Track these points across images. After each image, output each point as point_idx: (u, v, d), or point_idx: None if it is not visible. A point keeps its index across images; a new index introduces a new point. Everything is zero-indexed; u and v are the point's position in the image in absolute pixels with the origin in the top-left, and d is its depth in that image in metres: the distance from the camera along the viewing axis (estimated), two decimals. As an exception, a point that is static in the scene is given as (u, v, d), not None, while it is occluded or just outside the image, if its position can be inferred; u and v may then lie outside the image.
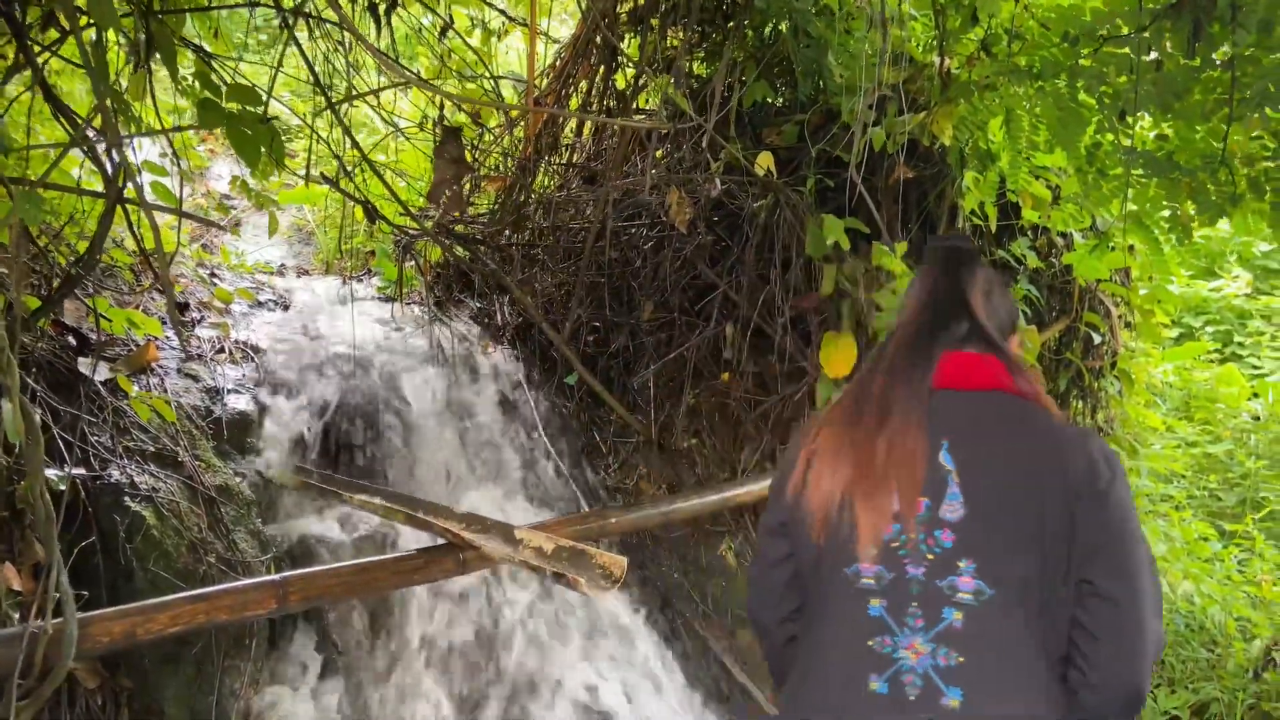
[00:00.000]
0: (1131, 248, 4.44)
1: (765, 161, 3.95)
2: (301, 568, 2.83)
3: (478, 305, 4.60)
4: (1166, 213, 3.54)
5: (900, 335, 1.63)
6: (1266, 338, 7.10)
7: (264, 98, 2.69)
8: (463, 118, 4.78)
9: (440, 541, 2.81)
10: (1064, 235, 4.55)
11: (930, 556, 1.45)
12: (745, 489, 3.62)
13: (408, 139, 5.16)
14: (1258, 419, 5.67)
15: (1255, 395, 6.16)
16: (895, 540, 1.47)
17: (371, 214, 3.59)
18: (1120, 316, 4.62)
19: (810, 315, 3.98)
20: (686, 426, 4.17)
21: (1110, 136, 3.25)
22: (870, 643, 1.44)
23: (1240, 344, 7.17)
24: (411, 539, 3.03)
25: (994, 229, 4.32)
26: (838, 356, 3.76)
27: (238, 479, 3.23)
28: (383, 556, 2.79)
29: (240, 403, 3.45)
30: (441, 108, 3.87)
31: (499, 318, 4.55)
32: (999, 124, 3.67)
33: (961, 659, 1.39)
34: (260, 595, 2.41)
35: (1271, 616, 3.83)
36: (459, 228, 4.41)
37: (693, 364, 4.20)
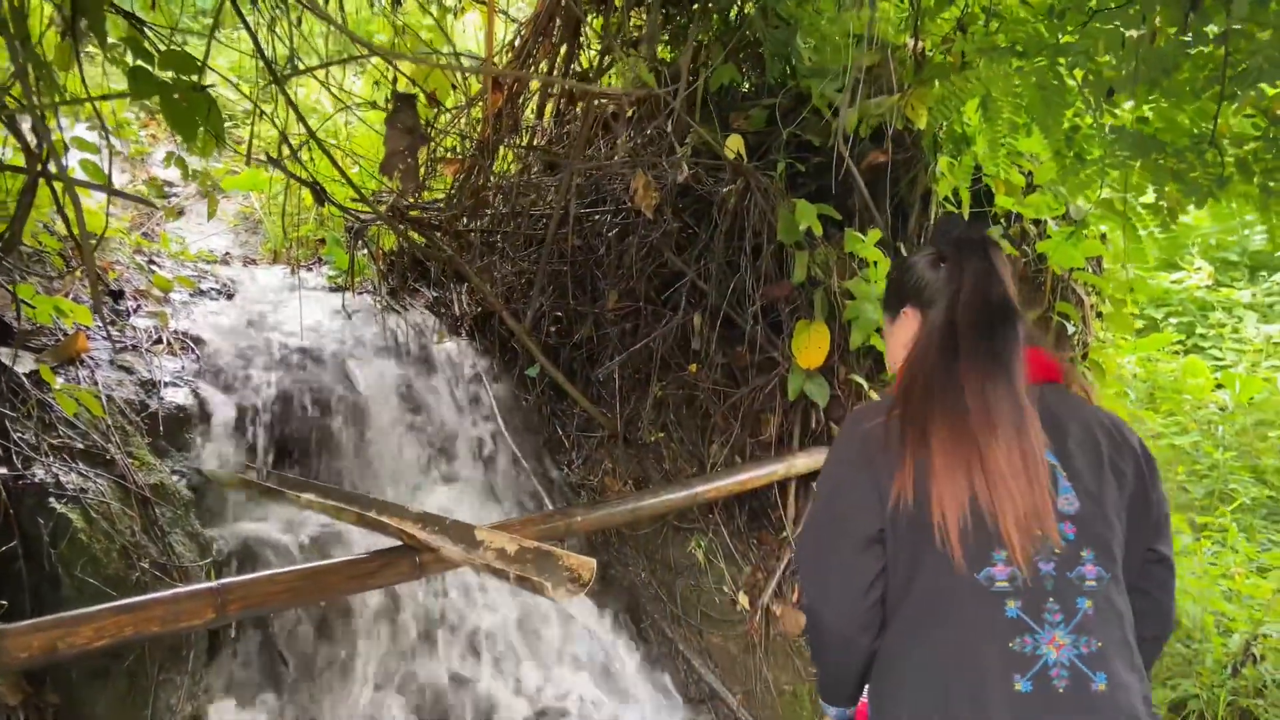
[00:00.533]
0: (1104, 235, 4.37)
1: (735, 145, 3.80)
2: (244, 573, 2.62)
3: (434, 294, 4.40)
4: (1147, 198, 3.47)
5: (969, 330, 1.58)
6: (1228, 329, 7.12)
7: (200, 65, 2.48)
8: (420, 97, 4.56)
9: (395, 543, 2.62)
10: (1036, 223, 4.46)
11: (1057, 551, 1.48)
12: (714, 484, 3.47)
13: (360, 118, 4.94)
14: (1224, 409, 5.65)
15: (1220, 386, 6.15)
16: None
17: (320, 196, 3.38)
18: (1092, 306, 4.54)
19: (781, 304, 3.84)
20: (653, 420, 4.01)
21: (1089, 119, 3.15)
22: (1011, 644, 1.45)
23: (1203, 335, 7.18)
24: (364, 541, 2.84)
25: (967, 216, 4.21)
26: (810, 346, 3.63)
27: (175, 478, 3.01)
28: (332, 560, 2.59)
29: (178, 396, 3.23)
30: (395, 81, 3.67)
31: (456, 307, 4.36)
32: (975, 106, 3.55)
33: (1100, 643, 1.46)
34: (196, 605, 2.21)
35: (1248, 611, 3.77)
36: (414, 213, 4.21)
37: (659, 355, 4.04)
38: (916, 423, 1.53)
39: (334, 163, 3.64)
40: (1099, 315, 4.62)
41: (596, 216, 4.36)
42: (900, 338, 1.73)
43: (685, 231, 4.14)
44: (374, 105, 4.30)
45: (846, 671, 1.68)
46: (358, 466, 3.46)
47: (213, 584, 2.28)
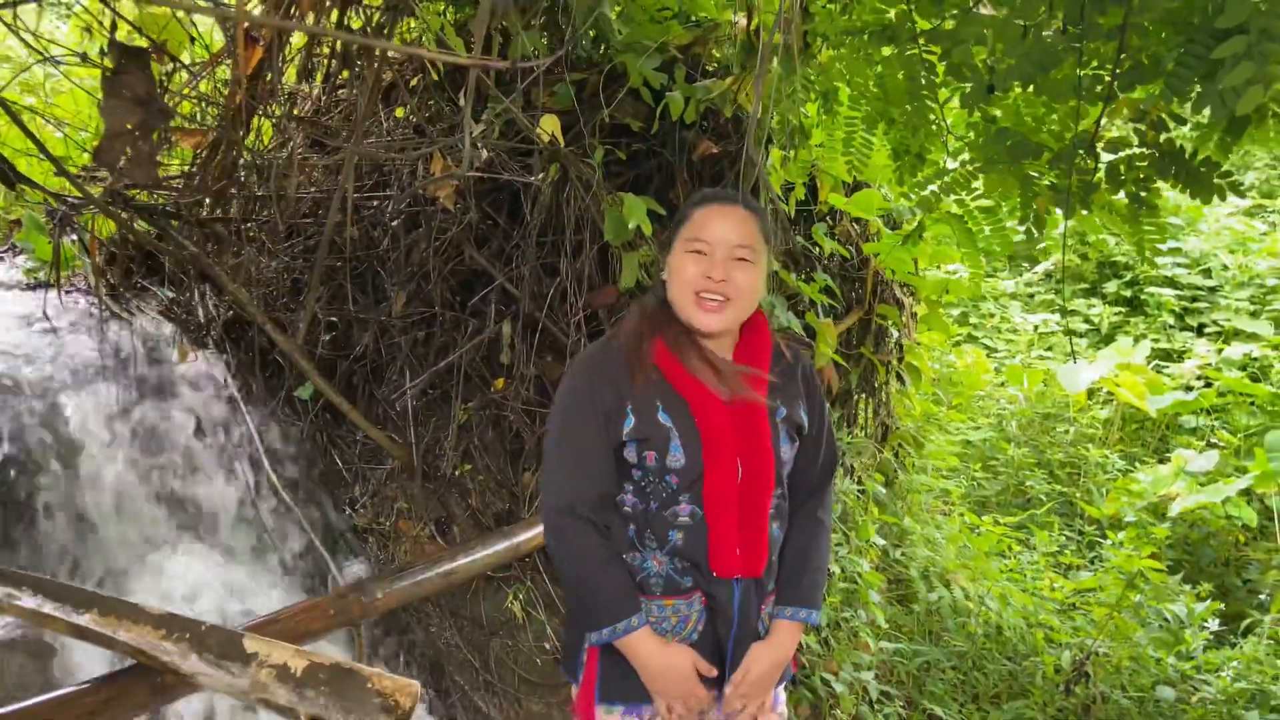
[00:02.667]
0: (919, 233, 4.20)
1: (550, 125, 3.25)
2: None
3: (170, 295, 3.55)
4: (984, 201, 3.27)
5: None
6: (997, 319, 7.38)
7: None
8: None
9: (127, 663, 1.90)
10: (858, 222, 4.22)
11: None
12: (538, 529, 2.93)
13: (65, 77, 3.93)
14: (1014, 403, 5.77)
15: (999, 376, 6.31)
16: None
17: (7, 178, 2.50)
18: (908, 308, 4.38)
19: (607, 312, 3.35)
20: (456, 447, 3.40)
21: (958, 116, 2.87)
22: None
23: (975, 325, 7.41)
24: (85, 658, 2.08)
25: (792, 213, 3.90)
26: (641, 362, 3.15)
27: None
28: (25, 703, 1.83)
29: None
30: (113, 29, 2.81)
31: (201, 313, 3.53)
32: (819, 96, 3.20)
33: None
34: None
35: (1072, 623, 3.72)
36: (141, 197, 3.34)
37: (462, 371, 3.43)
38: None
39: (26, 131, 2.74)
40: (913, 316, 4.47)
41: (376, 203, 3.67)
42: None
43: (490, 225, 3.55)
44: (84, 58, 3.36)
45: None
46: (72, 535, 2.63)
47: None
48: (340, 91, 3.81)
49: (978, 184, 2.96)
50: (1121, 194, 2.59)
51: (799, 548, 1.92)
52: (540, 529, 2.95)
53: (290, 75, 3.91)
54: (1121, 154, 2.55)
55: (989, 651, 3.71)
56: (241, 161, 3.53)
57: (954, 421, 5.32)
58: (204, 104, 3.66)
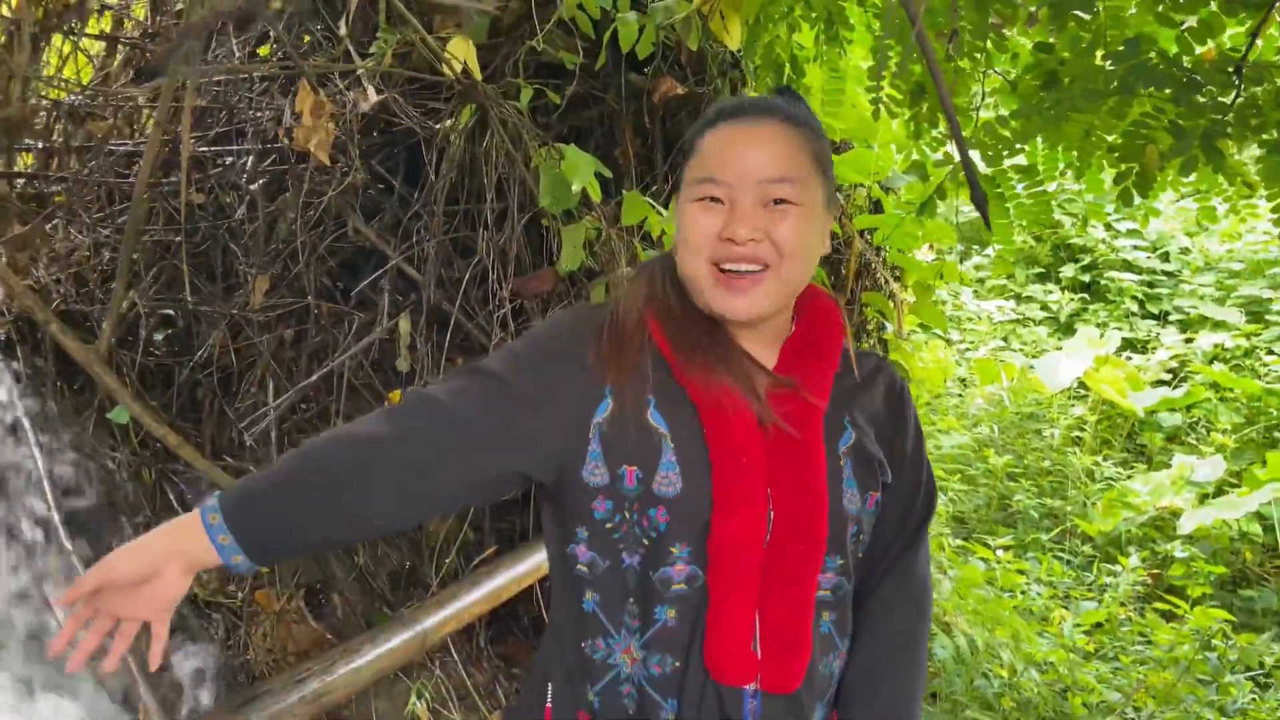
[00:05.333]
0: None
1: (461, 51, 2.40)
2: None
3: (-64, 281, 2.58)
4: (1035, 155, 2.58)
5: None
6: (950, 305, 6.83)
7: None
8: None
9: None
10: (838, 190, 3.48)
11: None
12: (454, 609, 2.10)
13: None
14: (992, 402, 5.16)
15: (962, 382, 5.71)
16: None
17: None
18: (898, 295, 3.68)
19: (539, 302, 2.53)
20: (336, 485, 2.53)
21: (1023, 40, 2.15)
22: None
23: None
24: None
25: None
26: (589, 371, 2.35)
27: None
28: None
29: None
30: None
31: (-22, 304, 2.58)
32: (820, 19, 2.44)
33: None
34: None
35: (1107, 682, 3.06)
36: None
37: (345, 381, 2.57)
38: None
39: None
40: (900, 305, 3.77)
41: (230, 159, 2.76)
42: None
43: (381, 188, 2.68)
44: None
45: None
46: None
47: None
48: (180, 6, 2.88)
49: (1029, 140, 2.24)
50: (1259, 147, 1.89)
51: (878, 655, 1.17)
52: (461, 603, 2.14)
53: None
54: (1264, 85, 1.84)
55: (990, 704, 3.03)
56: (32, 97, 2.57)
57: (926, 426, 4.69)
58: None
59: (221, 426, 2.68)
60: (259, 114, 2.78)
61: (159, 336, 2.72)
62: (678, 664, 1.06)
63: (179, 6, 2.96)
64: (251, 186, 2.70)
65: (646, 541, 1.07)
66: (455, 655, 2.44)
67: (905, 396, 1.22)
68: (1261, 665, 3.18)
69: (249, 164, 2.73)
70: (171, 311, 2.73)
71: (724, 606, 1.04)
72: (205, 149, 2.76)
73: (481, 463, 1.09)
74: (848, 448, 1.13)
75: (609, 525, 1.08)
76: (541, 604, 2.54)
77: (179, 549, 1.04)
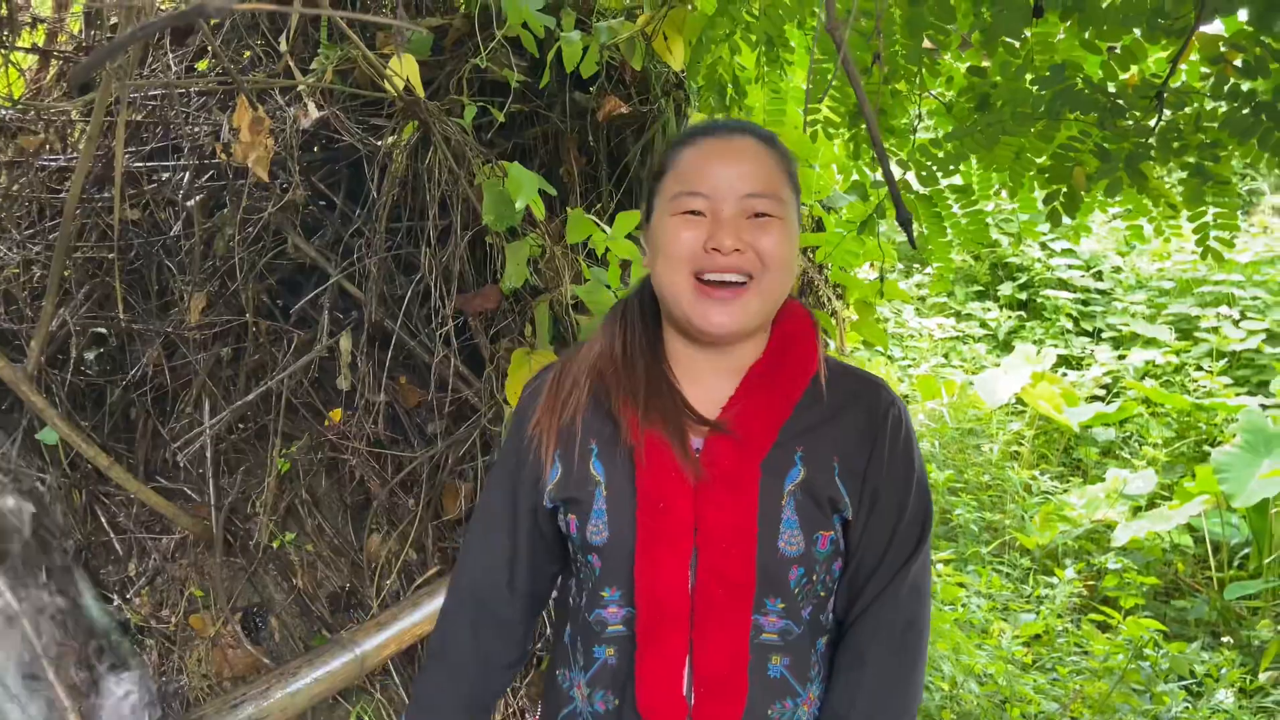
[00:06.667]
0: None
1: (404, 69, 2.39)
2: None
3: None
4: (955, 180, 2.65)
5: None
6: (891, 323, 6.93)
7: None
8: None
9: None
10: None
11: None
12: (394, 631, 2.08)
13: None
14: (934, 418, 5.24)
15: (905, 387, 5.80)
16: None
17: None
18: (834, 312, 3.73)
19: (483, 321, 2.51)
20: (274, 506, 2.49)
21: (955, 64, 2.20)
22: None
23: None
24: None
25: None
26: (533, 389, 2.34)
27: None
28: None
29: None
30: None
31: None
32: (760, 42, 2.47)
33: None
34: None
35: (1045, 693, 3.11)
36: None
37: (284, 400, 2.53)
38: None
39: None
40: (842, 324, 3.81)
41: (166, 175, 2.71)
42: None
43: (322, 205, 2.65)
44: None
45: None
46: None
47: None
48: (114, 20, 2.83)
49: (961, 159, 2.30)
50: (1187, 166, 1.96)
51: (849, 698, 1.12)
52: (402, 624, 2.11)
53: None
54: (1188, 109, 1.91)
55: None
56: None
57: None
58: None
59: (155, 447, 2.62)
60: (196, 129, 2.74)
61: (90, 355, 2.65)
62: (617, 702, 1.10)
63: (114, 21, 2.91)
64: (188, 203, 2.65)
65: (589, 585, 1.13)
66: (396, 678, 2.40)
67: (888, 425, 1.14)
68: (1193, 674, 3.26)
69: (185, 180, 2.69)
70: (104, 330, 2.67)
71: (649, 649, 1.07)
72: (140, 164, 2.71)
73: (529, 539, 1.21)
74: (794, 485, 1.10)
75: (576, 566, 1.17)
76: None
77: None
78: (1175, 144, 1.98)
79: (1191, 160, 1.96)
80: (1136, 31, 1.90)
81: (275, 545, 2.42)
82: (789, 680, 1.11)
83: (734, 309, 1.08)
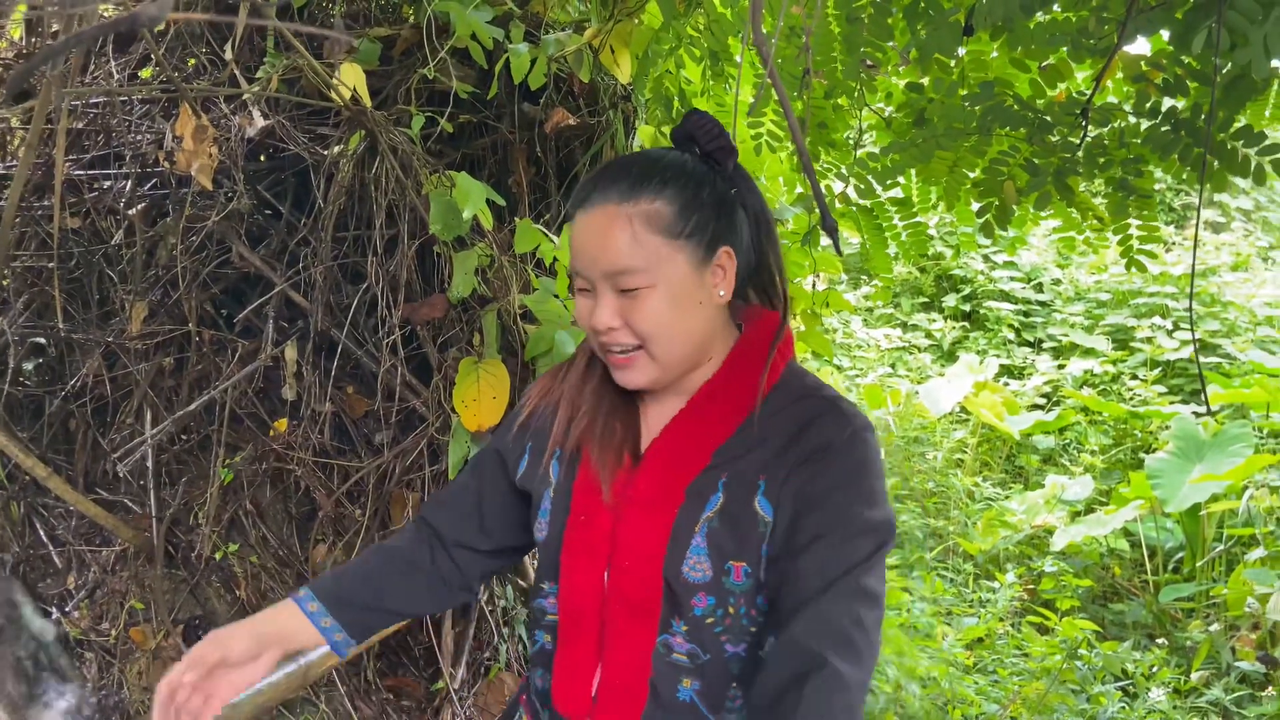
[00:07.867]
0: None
1: (352, 78, 2.40)
2: None
3: None
4: (896, 193, 2.73)
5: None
6: (840, 334, 7.02)
7: None
8: None
9: None
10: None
11: None
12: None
13: None
14: (880, 427, 5.32)
15: (853, 396, 5.87)
16: None
17: None
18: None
19: (430, 329, 2.52)
20: (217, 517, 2.47)
21: (892, 79, 2.26)
22: None
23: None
24: None
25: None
26: (481, 396, 2.35)
27: None
28: None
29: None
30: None
31: None
32: (705, 55, 2.52)
33: None
34: None
35: (986, 695, 3.18)
36: None
37: (228, 410, 2.51)
38: None
39: None
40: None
41: (107, 183, 2.68)
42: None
43: (267, 214, 2.64)
44: None
45: None
46: None
47: None
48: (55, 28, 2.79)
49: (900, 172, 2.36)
50: (1112, 181, 2.04)
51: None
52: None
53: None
54: (1110, 127, 1.99)
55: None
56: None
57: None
58: None
59: (95, 458, 2.58)
60: (139, 137, 2.71)
61: (29, 365, 2.61)
62: (544, 689, 1.19)
63: (55, 28, 2.87)
64: (130, 211, 2.62)
65: (537, 574, 1.21)
66: (341, 688, 2.39)
67: (835, 448, 1.06)
68: (1128, 674, 3.35)
69: (127, 188, 2.66)
70: (43, 340, 2.63)
71: (564, 649, 1.15)
72: (81, 172, 2.67)
73: (499, 500, 1.28)
74: (712, 512, 1.08)
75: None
76: (432, 633, 2.52)
77: (282, 635, 1.20)
78: (1100, 159, 2.07)
79: (1116, 175, 2.04)
80: (1063, 50, 1.98)
81: (218, 557, 2.40)
82: (698, 706, 1.09)
83: (634, 372, 1.11)
